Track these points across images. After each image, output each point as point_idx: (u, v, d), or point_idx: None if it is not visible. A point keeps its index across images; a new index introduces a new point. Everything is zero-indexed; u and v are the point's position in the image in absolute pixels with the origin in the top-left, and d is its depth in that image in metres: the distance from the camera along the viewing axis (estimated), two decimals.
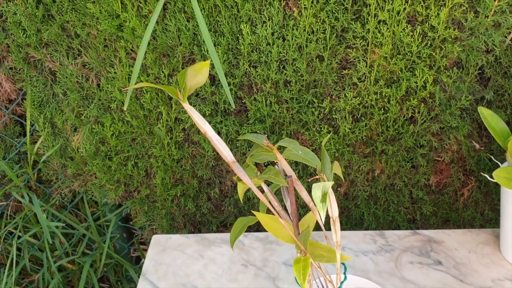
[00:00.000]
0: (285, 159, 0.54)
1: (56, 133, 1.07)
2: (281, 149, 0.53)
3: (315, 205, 0.42)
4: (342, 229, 1.08)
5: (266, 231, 0.93)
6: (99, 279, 1.36)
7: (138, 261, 1.38)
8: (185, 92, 0.44)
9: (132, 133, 1.01)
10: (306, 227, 0.54)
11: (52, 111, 1.03)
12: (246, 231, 1.08)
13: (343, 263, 0.58)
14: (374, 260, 0.85)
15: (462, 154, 0.98)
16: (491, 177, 0.72)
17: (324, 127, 0.93)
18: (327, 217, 0.50)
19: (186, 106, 0.44)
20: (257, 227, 1.06)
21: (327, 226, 0.53)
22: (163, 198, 1.09)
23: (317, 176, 0.45)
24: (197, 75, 0.43)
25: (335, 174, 0.59)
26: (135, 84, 0.79)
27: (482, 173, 0.97)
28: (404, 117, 0.92)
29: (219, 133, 0.97)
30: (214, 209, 1.12)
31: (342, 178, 0.53)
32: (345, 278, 0.55)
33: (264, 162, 0.57)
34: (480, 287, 0.78)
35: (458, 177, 1.01)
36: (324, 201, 0.42)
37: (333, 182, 0.44)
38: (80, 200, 1.26)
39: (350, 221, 1.09)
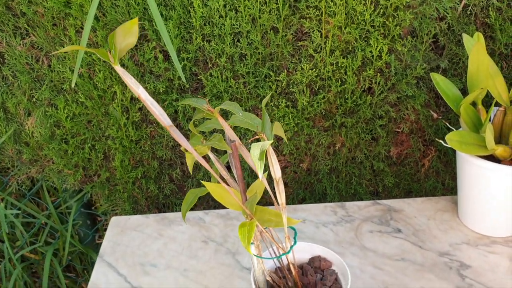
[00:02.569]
0: (230, 126, 0.52)
1: (8, 118, 1.03)
2: (229, 117, 0.52)
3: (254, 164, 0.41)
4: (305, 203, 1.08)
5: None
6: (65, 269, 1.33)
7: None
8: (115, 54, 0.42)
9: (88, 115, 0.98)
10: (254, 193, 0.53)
11: (2, 95, 0.99)
12: (207, 209, 1.07)
13: (293, 228, 0.57)
14: (334, 231, 0.85)
15: (421, 124, 0.99)
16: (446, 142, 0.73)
17: (282, 102, 0.92)
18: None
19: (118, 68, 0.43)
20: (219, 204, 1.05)
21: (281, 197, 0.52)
22: (124, 181, 1.07)
23: (257, 136, 0.44)
24: (127, 36, 0.42)
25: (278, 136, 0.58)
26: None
27: (437, 140, 0.97)
28: (361, 88, 0.92)
29: (175, 112, 0.95)
30: (177, 190, 1.10)
31: (286, 139, 0.52)
32: (295, 242, 0.55)
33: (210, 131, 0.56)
34: (439, 251, 0.79)
35: (418, 147, 1.02)
36: (261, 159, 0.41)
37: (272, 141, 0.43)
38: (40, 188, 1.23)
39: (313, 196, 1.08)
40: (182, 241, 0.85)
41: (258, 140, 0.44)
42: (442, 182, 1.07)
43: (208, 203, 1.12)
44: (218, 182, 0.59)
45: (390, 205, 0.90)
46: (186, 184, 1.08)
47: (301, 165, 1.04)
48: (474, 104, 0.79)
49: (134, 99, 0.96)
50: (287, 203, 1.07)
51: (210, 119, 0.51)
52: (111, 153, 1.04)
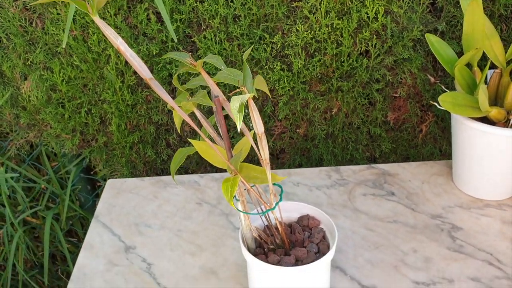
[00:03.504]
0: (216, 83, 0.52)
1: (5, 82, 1.04)
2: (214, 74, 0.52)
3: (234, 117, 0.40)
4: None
5: (224, 170, 0.92)
6: (67, 233, 1.35)
7: None
8: (93, 4, 0.41)
9: (83, 79, 0.98)
10: (239, 150, 0.53)
11: None
12: (202, 172, 1.07)
13: (279, 186, 0.57)
14: (328, 194, 0.85)
15: (418, 89, 0.98)
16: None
17: (277, 65, 0.91)
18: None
19: (97, 19, 0.42)
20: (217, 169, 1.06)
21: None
22: (121, 145, 1.08)
23: (238, 90, 0.44)
24: None
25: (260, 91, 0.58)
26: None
27: (432, 102, 0.96)
28: (357, 51, 0.91)
29: (169, 75, 0.95)
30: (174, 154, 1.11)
31: (269, 94, 0.51)
32: (280, 199, 0.55)
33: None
34: (431, 214, 0.79)
35: (416, 112, 1.01)
36: (241, 111, 0.40)
37: (253, 94, 0.43)
38: (40, 153, 1.24)
39: (310, 162, 1.08)
40: (177, 203, 0.85)
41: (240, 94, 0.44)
42: (439, 148, 1.06)
43: (206, 168, 1.13)
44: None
45: (385, 169, 0.90)
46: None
47: (297, 130, 1.03)
48: (470, 66, 0.78)
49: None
50: (283, 169, 1.07)
51: (197, 75, 0.50)
52: (108, 118, 1.04)
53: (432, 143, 1.06)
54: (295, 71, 0.92)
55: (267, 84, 0.95)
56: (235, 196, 0.56)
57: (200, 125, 0.57)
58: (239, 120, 0.40)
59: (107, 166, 1.14)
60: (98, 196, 1.32)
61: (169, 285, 0.69)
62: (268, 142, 1.05)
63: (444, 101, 0.70)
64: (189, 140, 0.57)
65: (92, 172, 1.24)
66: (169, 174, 1.14)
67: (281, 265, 0.57)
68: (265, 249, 0.60)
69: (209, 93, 0.51)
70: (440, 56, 0.76)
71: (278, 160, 1.10)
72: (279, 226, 0.56)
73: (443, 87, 0.84)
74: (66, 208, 1.18)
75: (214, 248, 0.75)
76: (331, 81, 0.95)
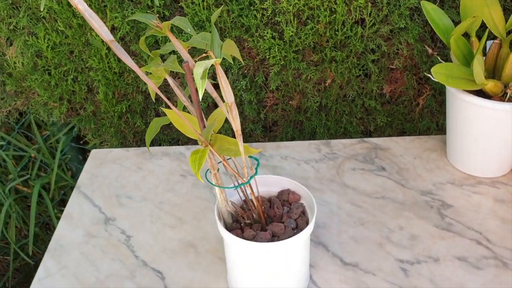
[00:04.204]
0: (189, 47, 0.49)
1: None
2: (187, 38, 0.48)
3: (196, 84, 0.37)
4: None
5: None
6: (61, 203, 1.34)
7: None
8: None
9: (69, 45, 0.95)
10: (213, 121, 0.50)
11: None
12: (190, 144, 1.05)
13: (256, 158, 0.54)
14: (316, 168, 0.82)
15: (415, 61, 0.94)
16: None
17: (268, 32, 0.87)
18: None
19: None
20: None
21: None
22: (110, 115, 1.05)
23: (204, 54, 0.41)
24: None
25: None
26: None
27: (426, 73, 0.92)
28: (352, 19, 0.87)
29: (156, 42, 0.91)
30: (165, 125, 1.08)
31: (241, 59, 0.48)
32: (256, 172, 0.52)
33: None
34: (421, 190, 0.76)
35: (412, 85, 0.97)
36: (203, 77, 0.37)
37: (220, 59, 0.40)
38: (30, 121, 1.22)
39: (303, 135, 1.05)
40: (161, 175, 0.83)
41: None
42: (436, 122, 1.03)
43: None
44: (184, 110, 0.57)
45: (377, 143, 0.87)
46: None
47: (290, 102, 1.00)
48: (468, 36, 0.74)
49: (115, 29, 0.92)
50: (275, 142, 1.04)
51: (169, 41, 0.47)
52: (95, 86, 1.01)
53: (429, 117, 1.02)
54: (287, 40, 0.88)
55: (257, 53, 0.91)
56: (209, 169, 0.54)
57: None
58: (201, 87, 0.37)
59: (97, 136, 1.12)
60: None
61: (147, 258, 0.67)
62: (260, 113, 1.02)
63: (438, 72, 0.67)
64: (162, 108, 0.54)
65: (82, 142, 1.22)
66: (160, 145, 1.11)
67: (256, 240, 0.55)
68: (242, 224, 0.57)
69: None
70: (436, 25, 0.72)
71: (271, 133, 1.08)
72: (254, 201, 0.54)
73: (439, 59, 0.80)
74: (55, 177, 1.17)
75: (195, 221, 0.73)
76: (325, 50, 0.91)
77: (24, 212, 1.30)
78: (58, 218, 1.28)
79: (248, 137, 1.06)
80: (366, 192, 0.77)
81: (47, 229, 1.37)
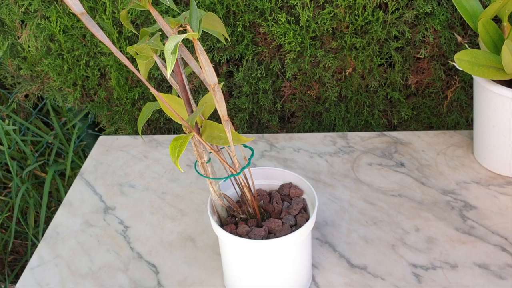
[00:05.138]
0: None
1: (5, 30, 1.00)
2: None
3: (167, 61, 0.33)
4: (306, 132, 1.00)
5: None
6: None
7: None
8: None
9: (81, 28, 0.93)
10: (201, 105, 0.46)
11: None
12: None
13: (250, 148, 0.50)
14: (329, 162, 0.77)
15: (443, 50, 0.87)
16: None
17: (282, 16, 0.82)
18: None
19: None
20: None
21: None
22: (123, 102, 1.03)
23: (180, 28, 0.36)
24: None
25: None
26: None
27: (450, 61, 0.85)
28: (374, 3, 0.81)
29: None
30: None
31: (228, 37, 0.44)
32: (248, 163, 0.48)
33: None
34: (442, 189, 0.70)
35: (440, 76, 0.90)
36: (174, 52, 0.33)
37: (197, 34, 0.36)
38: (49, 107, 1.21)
39: (321, 127, 1.00)
40: (166, 164, 0.80)
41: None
42: (466, 117, 0.96)
43: None
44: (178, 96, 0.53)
45: (398, 137, 0.81)
46: None
47: (308, 92, 0.95)
48: (499, 22, 0.67)
49: (128, 12, 0.89)
50: (292, 133, 0.99)
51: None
52: (107, 71, 0.99)
53: (458, 111, 0.95)
54: (303, 24, 0.83)
55: (272, 38, 0.87)
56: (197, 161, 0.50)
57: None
58: (170, 63, 0.33)
59: (111, 123, 1.10)
60: None
61: (143, 250, 0.64)
62: (276, 103, 0.97)
63: (462, 59, 0.61)
64: (152, 91, 0.51)
65: (97, 129, 1.20)
66: (172, 132, 1.08)
67: (249, 237, 0.50)
68: (237, 219, 0.53)
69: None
70: (462, 8, 0.65)
71: (289, 124, 1.03)
72: (247, 194, 0.50)
73: (467, 47, 0.73)
74: (70, 163, 1.16)
75: (196, 214, 0.69)
76: (345, 37, 0.85)
77: (43, 197, 1.30)
78: None
79: (264, 128, 1.02)
80: (381, 189, 0.71)
81: None
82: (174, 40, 0.34)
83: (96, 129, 1.20)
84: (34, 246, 1.31)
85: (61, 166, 1.21)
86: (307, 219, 0.53)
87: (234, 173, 0.47)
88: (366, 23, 0.83)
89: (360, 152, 0.78)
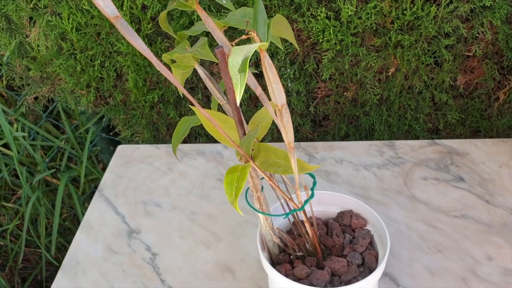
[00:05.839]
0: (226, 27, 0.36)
1: (12, 28, 0.91)
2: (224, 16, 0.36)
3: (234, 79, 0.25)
4: (348, 141, 0.92)
5: None
6: (91, 196, 1.26)
7: None
8: None
9: (95, 26, 0.84)
10: (256, 126, 0.38)
11: (1, 1, 0.86)
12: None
13: (312, 175, 0.42)
14: (378, 175, 0.68)
15: (499, 47, 0.78)
16: None
17: (321, 11, 0.73)
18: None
19: None
20: None
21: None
22: (141, 105, 0.94)
23: (244, 36, 0.28)
24: None
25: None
26: None
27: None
28: None
29: (191, 23, 0.79)
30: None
31: (296, 45, 0.35)
32: (312, 195, 0.40)
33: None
34: (510, 208, 0.62)
35: (493, 76, 0.81)
36: (243, 70, 0.25)
37: (266, 44, 0.27)
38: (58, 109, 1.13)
39: (358, 132, 0.92)
40: (194, 178, 0.72)
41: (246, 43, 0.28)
42: None
43: None
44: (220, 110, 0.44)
45: (452, 147, 0.73)
46: None
47: (345, 93, 0.86)
48: None
49: (146, 7, 0.80)
50: (326, 139, 0.91)
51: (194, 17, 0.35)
52: (124, 72, 0.90)
53: (510, 114, 0.86)
54: (344, 20, 0.74)
55: (308, 35, 0.78)
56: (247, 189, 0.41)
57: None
58: (239, 84, 0.25)
59: (128, 127, 1.02)
60: None
61: (174, 283, 0.56)
62: (309, 106, 0.88)
63: None
64: (191, 107, 0.42)
65: (112, 133, 1.12)
66: (196, 139, 1.00)
67: (311, 281, 0.42)
68: (292, 257, 0.45)
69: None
70: None
71: (320, 128, 0.94)
72: (309, 230, 0.41)
73: None
74: (84, 169, 1.08)
75: (232, 238, 0.61)
76: (389, 33, 0.76)
77: (54, 204, 1.22)
78: None
79: (295, 133, 0.93)
80: (441, 208, 0.63)
81: (78, 222, 1.29)
82: (240, 54, 0.26)
83: (111, 133, 1.11)
84: (49, 252, 1.24)
85: (73, 173, 1.13)
86: (376, 258, 0.44)
87: (297, 207, 0.39)
88: (415, 18, 0.74)
89: (411, 164, 0.70)
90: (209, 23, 0.32)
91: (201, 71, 0.38)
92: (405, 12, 0.73)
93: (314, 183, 0.40)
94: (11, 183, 1.20)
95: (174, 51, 0.37)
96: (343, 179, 0.68)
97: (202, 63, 0.82)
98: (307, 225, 0.41)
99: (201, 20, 0.40)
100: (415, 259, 0.56)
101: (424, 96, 0.84)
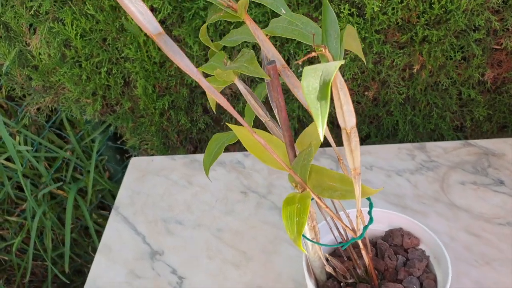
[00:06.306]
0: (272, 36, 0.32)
1: (11, 36, 0.86)
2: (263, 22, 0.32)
3: (308, 105, 0.21)
4: (371, 142, 0.88)
5: None
6: (99, 206, 1.21)
7: None
8: None
9: (101, 31, 0.80)
10: (307, 146, 0.33)
11: None
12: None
13: (368, 199, 0.37)
14: (412, 182, 0.64)
15: None
16: None
17: (344, 8, 0.69)
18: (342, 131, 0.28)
19: None
20: None
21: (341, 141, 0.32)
22: (150, 112, 0.90)
23: (313, 53, 0.24)
24: None
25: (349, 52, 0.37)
26: None
27: None
28: None
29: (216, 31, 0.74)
30: (213, 123, 0.92)
31: (364, 59, 0.31)
32: (371, 221, 0.35)
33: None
34: None
35: None
36: (325, 97, 0.21)
37: (342, 62, 0.23)
38: (62, 119, 1.08)
39: (380, 133, 0.87)
40: (216, 191, 0.67)
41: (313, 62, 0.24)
42: None
43: None
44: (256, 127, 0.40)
45: (487, 147, 0.68)
46: (224, 116, 0.90)
47: (366, 93, 0.82)
48: None
49: (155, 10, 0.76)
50: None
51: (235, 25, 0.30)
52: (132, 79, 0.86)
53: None
54: (368, 17, 0.70)
55: None
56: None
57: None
58: (320, 114, 0.20)
59: (136, 135, 0.97)
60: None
61: None
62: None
63: None
64: (229, 124, 0.38)
65: (119, 142, 1.07)
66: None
67: None
68: (342, 284, 0.41)
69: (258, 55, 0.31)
70: None
71: (339, 129, 0.90)
72: (365, 256, 0.37)
73: None
74: (92, 180, 1.03)
75: (263, 257, 0.57)
76: (415, 29, 0.72)
77: (60, 216, 1.18)
78: (97, 223, 1.16)
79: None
80: (484, 216, 0.59)
81: (85, 233, 1.24)
82: (316, 77, 0.21)
83: (119, 142, 1.07)
84: (56, 266, 1.20)
85: (80, 184, 1.08)
86: (434, 281, 0.40)
87: (355, 236, 0.34)
88: (444, 12, 0.70)
89: (446, 167, 0.66)
90: (259, 35, 0.28)
91: (241, 87, 0.34)
92: (433, 5, 0.69)
93: (371, 206, 0.36)
94: (15, 197, 1.15)
95: (212, 65, 0.33)
96: (375, 186, 0.64)
97: None
98: (363, 252, 0.37)
99: (234, 29, 0.35)
100: (462, 273, 0.52)
101: (451, 93, 0.80)
